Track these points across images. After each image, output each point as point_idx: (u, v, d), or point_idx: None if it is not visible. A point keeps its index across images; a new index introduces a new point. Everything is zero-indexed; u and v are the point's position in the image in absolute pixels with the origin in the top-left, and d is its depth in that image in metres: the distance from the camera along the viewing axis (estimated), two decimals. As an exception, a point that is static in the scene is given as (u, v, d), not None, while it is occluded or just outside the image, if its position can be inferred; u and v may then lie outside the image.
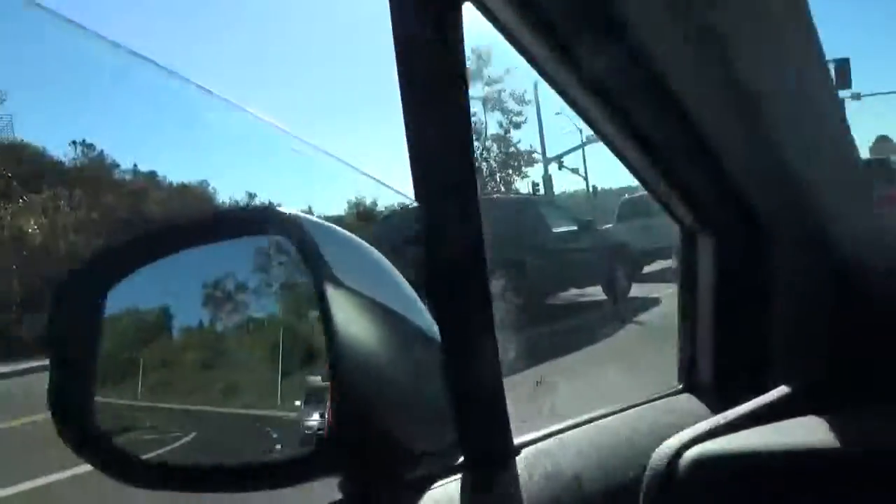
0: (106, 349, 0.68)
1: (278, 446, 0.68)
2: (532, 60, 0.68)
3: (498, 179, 24.52)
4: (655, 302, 9.22)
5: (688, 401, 0.93)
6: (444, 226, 0.65)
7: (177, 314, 0.71)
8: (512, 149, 24.58)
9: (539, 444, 0.73)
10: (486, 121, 24.44)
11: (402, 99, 0.61)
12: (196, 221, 0.73)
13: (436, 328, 0.65)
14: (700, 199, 0.84)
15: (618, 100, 0.69)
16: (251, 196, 25.19)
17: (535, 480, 0.67)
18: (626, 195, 15.95)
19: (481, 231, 0.66)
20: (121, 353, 0.71)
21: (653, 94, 0.66)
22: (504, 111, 24.35)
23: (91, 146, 23.56)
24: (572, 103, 0.74)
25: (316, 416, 0.64)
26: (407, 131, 0.63)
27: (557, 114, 24.37)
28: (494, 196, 14.16)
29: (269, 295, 0.71)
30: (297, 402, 0.65)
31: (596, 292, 10.23)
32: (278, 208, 0.65)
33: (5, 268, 15.24)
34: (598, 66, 0.63)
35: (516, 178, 25.02)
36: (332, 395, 0.57)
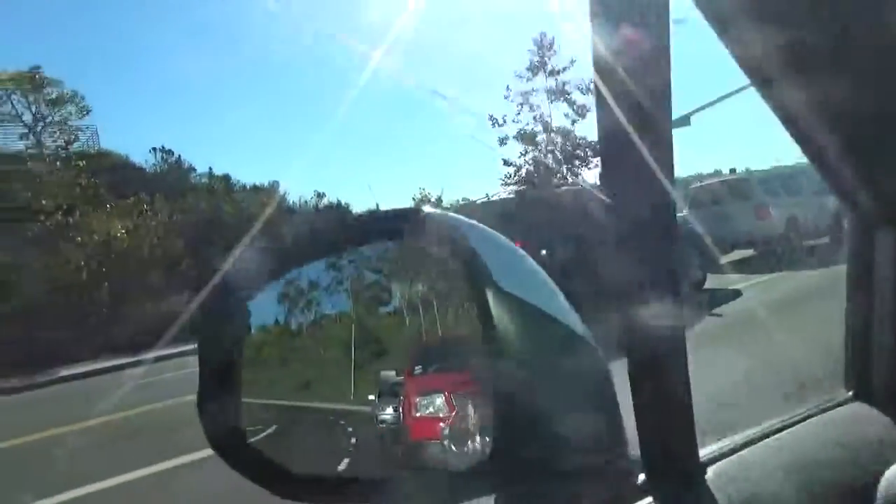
0: (246, 354, 0.70)
1: (353, 440, 0.68)
2: (713, 20, 0.61)
3: (564, 171, 24.20)
4: (735, 294, 8.84)
5: (865, 411, 0.84)
6: (636, 228, 0.60)
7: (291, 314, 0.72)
8: (578, 140, 24.20)
9: (721, 464, 0.66)
10: (551, 112, 24.17)
11: (597, 90, 0.56)
12: (348, 225, 0.73)
13: (589, 333, 0.60)
14: (889, 187, 0.75)
15: (818, 67, 0.61)
16: (319, 195, 25.84)
17: None
18: (698, 182, 15.41)
19: (674, 234, 0.60)
20: (258, 357, 0.72)
21: (870, 61, 0.58)
22: (569, 102, 24.02)
23: (170, 152, 24.76)
24: (755, 71, 0.66)
25: (390, 410, 0.65)
26: (599, 128, 0.57)
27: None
28: (562, 188, 13.92)
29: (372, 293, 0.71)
30: (371, 396, 0.66)
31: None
32: (432, 211, 0.63)
33: (96, 269, 16.18)
34: (805, 32, 0.55)
35: (583, 169, 24.63)
36: (496, 404, 0.55)
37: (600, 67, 0.54)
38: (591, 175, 24.41)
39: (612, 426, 0.58)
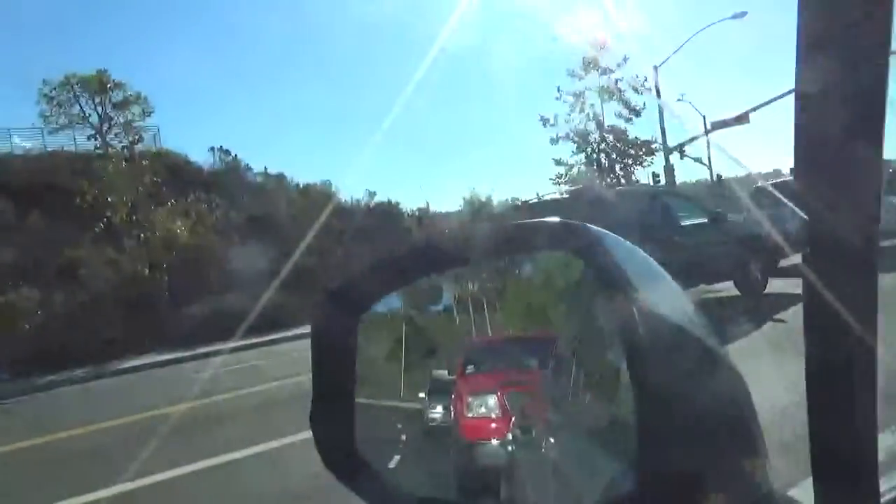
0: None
1: (403, 437, 0.68)
2: None
3: (617, 170, 23.79)
4: (798, 298, 8.46)
5: None
6: (833, 228, 0.55)
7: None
8: (631, 138, 23.75)
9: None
10: (604, 111, 23.79)
11: (798, 69, 0.52)
12: (481, 237, 0.69)
13: (723, 350, 0.56)
14: None
15: None
16: (371, 194, 26.15)
17: None
18: (759, 182, 14.82)
19: (876, 235, 0.55)
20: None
21: None
22: (621, 100, 23.59)
23: (227, 151, 25.47)
24: None
25: (440, 408, 0.65)
26: (797, 113, 0.53)
27: (679, 100, 23.27)
28: (618, 188, 13.66)
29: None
30: (421, 394, 0.66)
31: (727, 288, 9.59)
32: (572, 223, 0.59)
33: (157, 265, 16.80)
34: None
35: (636, 168, 24.15)
36: (642, 430, 0.50)
37: (805, 61, 0.50)
38: (643, 174, 23.93)
39: (757, 453, 0.54)
